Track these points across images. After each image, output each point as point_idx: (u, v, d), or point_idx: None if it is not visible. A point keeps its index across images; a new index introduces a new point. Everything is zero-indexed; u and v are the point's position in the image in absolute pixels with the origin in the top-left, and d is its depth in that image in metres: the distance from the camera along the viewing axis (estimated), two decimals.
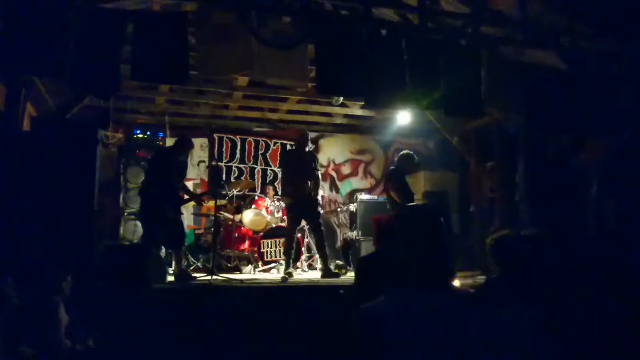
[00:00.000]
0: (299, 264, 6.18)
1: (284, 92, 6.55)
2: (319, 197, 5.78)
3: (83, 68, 3.89)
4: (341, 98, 6.54)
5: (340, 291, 3.90)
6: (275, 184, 7.87)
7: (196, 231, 7.19)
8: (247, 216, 6.40)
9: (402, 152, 5.89)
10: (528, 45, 4.55)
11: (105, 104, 6.16)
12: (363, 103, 6.25)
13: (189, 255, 6.37)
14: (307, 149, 5.70)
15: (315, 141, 8.36)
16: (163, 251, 5.29)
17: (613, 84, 4.60)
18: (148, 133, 7.02)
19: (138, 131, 6.97)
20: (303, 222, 6.67)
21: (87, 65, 3.89)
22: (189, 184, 7.09)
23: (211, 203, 5.81)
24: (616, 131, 5.01)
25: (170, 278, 4.89)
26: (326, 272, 5.34)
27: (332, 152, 8.40)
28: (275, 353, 3.82)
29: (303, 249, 6.33)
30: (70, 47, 3.84)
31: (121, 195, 6.72)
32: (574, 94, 4.65)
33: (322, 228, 5.60)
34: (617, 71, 4.83)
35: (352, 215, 7.10)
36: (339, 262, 6.40)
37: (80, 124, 5.02)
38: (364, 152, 8.53)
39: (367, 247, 6.35)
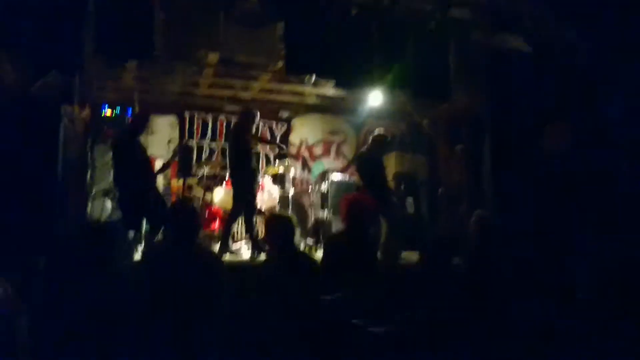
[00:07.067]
0: None
1: (255, 70, 6.47)
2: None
3: (44, 42, 3.79)
4: (313, 77, 6.50)
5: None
6: None
7: None
8: (218, 195, 6.37)
9: (374, 133, 5.94)
10: (495, 28, 4.60)
11: (69, 80, 5.98)
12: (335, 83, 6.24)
13: None
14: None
15: (287, 121, 8.35)
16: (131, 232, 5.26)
17: (576, 69, 4.69)
18: (116, 110, 6.88)
19: (106, 107, 6.83)
20: (274, 202, 6.74)
21: (48, 39, 3.79)
22: (159, 163, 7.03)
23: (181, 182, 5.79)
24: (579, 117, 5.12)
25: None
26: None
27: (304, 132, 8.40)
28: (246, 333, 3.87)
29: None
30: (30, 20, 3.72)
31: (88, 174, 6.60)
32: (538, 79, 4.74)
33: None
34: (581, 57, 4.92)
35: (324, 195, 7.14)
36: (310, 242, 6.47)
37: (42, 100, 4.87)
38: (337, 133, 8.54)
39: (338, 227, 6.41)
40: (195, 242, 3.43)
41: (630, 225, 4.28)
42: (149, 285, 3.04)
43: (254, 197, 5.54)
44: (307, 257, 3.75)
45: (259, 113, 5.76)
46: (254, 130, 5.53)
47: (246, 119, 5.58)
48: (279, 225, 3.51)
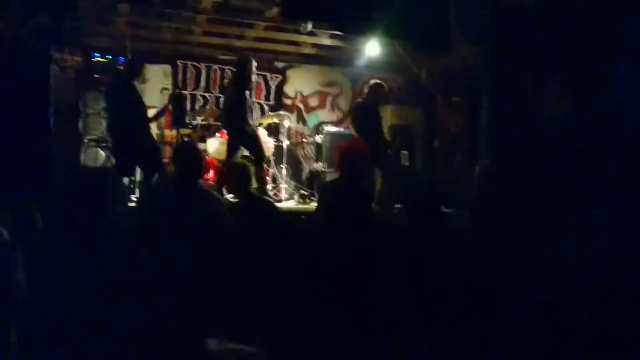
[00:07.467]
0: None
1: (251, 16, 6.30)
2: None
3: None
4: (309, 25, 6.34)
5: None
6: None
7: None
8: (212, 145, 6.34)
9: (371, 83, 5.86)
10: None
11: (58, 24, 5.82)
12: (332, 32, 6.11)
13: None
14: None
15: (282, 72, 8.22)
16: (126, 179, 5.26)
17: (580, 21, 4.58)
18: (108, 56, 6.74)
19: (97, 54, 6.68)
20: (269, 152, 6.72)
21: None
22: (152, 112, 6.96)
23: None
24: (578, 76, 5.03)
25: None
26: None
27: (300, 83, 8.30)
28: (239, 282, 3.95)
29: (268, 179, 6.37)
30: None
31: (81, 121, 6.53)
32: (540, 30, 4.63)
33: None
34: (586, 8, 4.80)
35: (318, 147, 7.13)
36: (304, 192, 6.51)
37: (31, 43, 4.74)
38: (332, 85, 8.45)
39: (332, 178, 6.44)
40: (199, 184, 3.51)
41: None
42: (154, 226, 3.12)
43: (250, 146, 5.52)
44: (264, 201, 3.95)
45: (254, 62, 5.65)
46: (252, 79, 5.43)
47: (244, 66, 5.48)
48: (235, 172, 3.73)
